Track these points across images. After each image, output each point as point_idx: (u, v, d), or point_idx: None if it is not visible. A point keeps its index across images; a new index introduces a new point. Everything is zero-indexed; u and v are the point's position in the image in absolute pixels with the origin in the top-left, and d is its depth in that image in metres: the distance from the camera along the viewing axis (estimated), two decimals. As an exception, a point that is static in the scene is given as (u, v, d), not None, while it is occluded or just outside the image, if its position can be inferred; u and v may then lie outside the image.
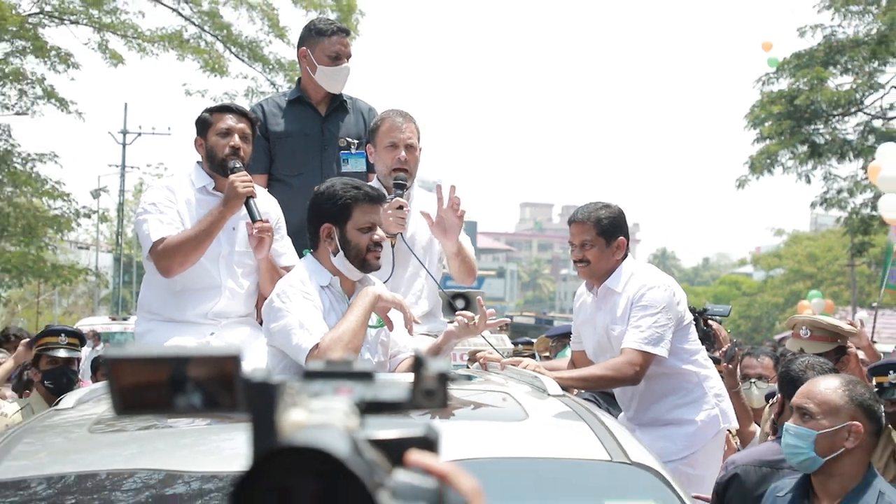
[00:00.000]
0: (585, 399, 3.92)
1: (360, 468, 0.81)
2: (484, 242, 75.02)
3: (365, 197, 3.70)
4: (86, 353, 6.70)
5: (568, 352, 5.45)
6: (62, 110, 19.03)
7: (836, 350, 4.99)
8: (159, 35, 18.92)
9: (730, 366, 5.13)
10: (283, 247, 4.27)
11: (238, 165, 4.09)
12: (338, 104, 4.88)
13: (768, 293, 48.04)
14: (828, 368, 3.87)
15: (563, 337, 8.36)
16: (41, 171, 19.73)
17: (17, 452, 2.45)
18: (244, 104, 6.42)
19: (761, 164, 22.02)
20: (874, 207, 17.69)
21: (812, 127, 21.89)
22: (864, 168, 21.58)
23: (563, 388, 3.30)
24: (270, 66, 19.16)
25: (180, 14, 19.16)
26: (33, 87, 18.87)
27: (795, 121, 21.45)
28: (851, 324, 5.58)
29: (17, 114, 19.34)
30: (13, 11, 17.70)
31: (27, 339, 5.92)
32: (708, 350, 4.92)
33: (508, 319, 4.28)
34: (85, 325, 15.81)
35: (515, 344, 12.46)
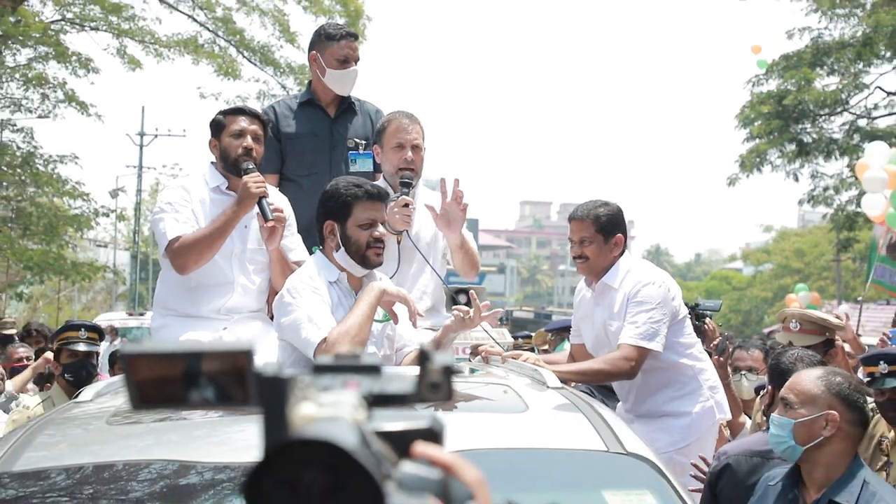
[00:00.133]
0: (581, 391, 3.91)
1: (368, 460, 0.80)
2: (485, 239, 75.02)
3: (365, 194, 3.70)
4: (104, 348, 6.70)
5: (566, 345, 5.45)
6: (82, 113, 19.05)
7: (825, 343, 4.99)
8: (175, 41, 18.96)
9: (720, 358, 5.13)
10: (293, 243, 4.27)
11: (251, 166, 4.09)
12: (346, 106, 4.88)
13: (757, 288, 48.05)
14: (816, 361, 3.86)
15: (562, 331, 8.36)
16: (62, 172, 19.76)
17: (38, 444, 2.45)
18: (256, 107, 6.43)
19: (751, 162, 22.02)
20: (859, 204, 17.65)
21: (800, 126, 21.89)
22: (850, 166, 21.58)
23: (562, 381, 3.29)
24: (281, 70, 19.18)
25: (195, 20, 19.20)
26: (55, 91, 18.90)
27: (784, 120, 21.45)
28: (837, 317, 5.58)
29: (40, 117, 19.38)
30: (36, 19, 17.75)
31: (49, 354, 5.95)
32: None
33: (501, 309, 4.28)
34: (103, 320, 15.79)
35: (515, 338, 12.46)
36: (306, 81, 5.31)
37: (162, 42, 18.93)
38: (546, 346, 9.11)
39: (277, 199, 4.25)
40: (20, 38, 17.33)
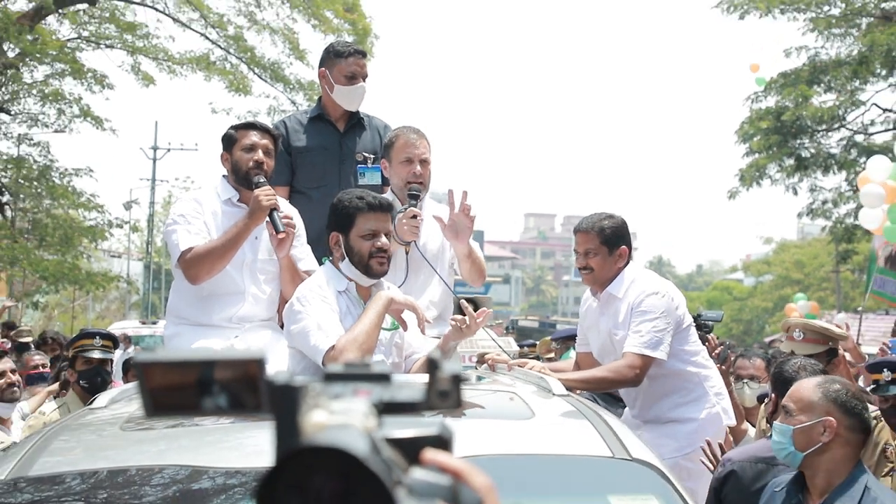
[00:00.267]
0: (584, 399, 3.90)
1: (378, 467, 0.79)
2: (490, 250, 75.04)
3: (366, 206, 3.70)
4: (118, 356, 6.70)
5: (572, 353, 5.43)
6: (97, 128, 19.16)
7: (828, 352, 4.97)
8: (188, 58, 19.07)
9: (722, 367, 5.11)
10: (302, 253, 4.27)
11: (262, 180, 4.10)
12: (355, 121, 4.90)
13: (758, 298, 48.03)
14: (818, 370, 3.85)
15: (568, 339, 8.33)
16: (77, 185, 19.86)
17: (53, 449, 2.44)
18: (267, 121, 6.44)
19: (751, 176, 22.04)
20: (857, 217, 17.63)
21: (798, 142, 21.92)
22: (848, 180, 21.57)
23: (567, 389, 3.28)
24: (291, 86, 19.26)
25: (207, 38, 19.30)
26: (71, 107, 19.01)
27: (782, 136, 21.49)
28: (838, 326, 5.56)
29: (56, 131, 19.49)
30: (53, 37, 17.85)
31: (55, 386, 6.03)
32: None
33: (490, 310, 4.25)
34: (116, 328, 15.79)
35: (521, 346, 12.45)
36: (316, 97, 5.33)
37: (175, 59, 19.04)
38: (550, 355, 9.08)
39: (288, 211, 4.26)
40: (38, 55, 17.44)
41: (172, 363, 0.92)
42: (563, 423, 2.79)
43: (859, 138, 22.17)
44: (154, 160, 39.99)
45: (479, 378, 3.74)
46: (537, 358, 8.23)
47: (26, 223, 20.44)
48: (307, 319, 3.59)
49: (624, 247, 4.43)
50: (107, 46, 19.07)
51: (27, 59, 17.81)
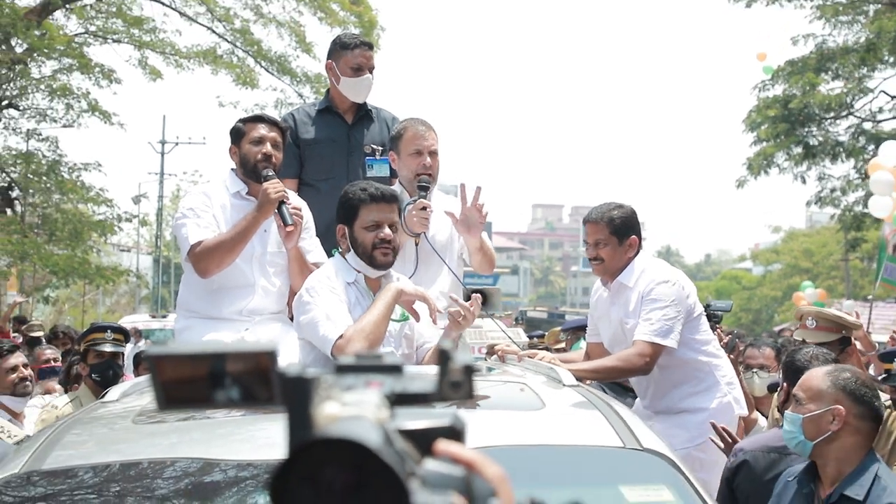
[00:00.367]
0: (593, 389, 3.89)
1: (391, 458, 0.79)
2: (498, 242, 75.00)
3: (369, 197, 3.71)
4: (128, 349, 6.72)
5: (582, 344, 5.43)
6: (105, 122, 19.20)
7: (841, 341, 4.96)
8: (195, 51, 19.08)
9: (731, 356, 5.09)
10: (311, 245, 4.28)
11: (270, 173, 4.10)
12: (363, 113, 4.89)
13: (767, 287, 47.95)
14: (830, 359, 3.83)
15: (578, 330, 8.32)
16: (86, 179, 19.95)
17: (65, 442, 2.45)
18: (274, 114, 6.44)
19: (758, 165, 21.99)
20: (866, 205, 17.56)
21: (805, 129, 21.84)
22: (856, 168, 21.49)
23: (578, 379, 3.28)
24: (298, 79, 19.27)
25: (214, 32, 19.31)
26: (79, 102, 19.05)
27: (790, 124, 21.42)
28: (848, 314, 5.55)
29: (65, 126, 19.54)
30: (61, 32, 17.87)
31: None
32: None
33: (479, 295, 4.25)
34: (127, 322, 15.82)
35: (530, 337, 12.45)
36: (323, 90, 5.33)
37: (182, 53, 19.05)
38: (559, 345, 9.08)
39: (296, 203, 4.26)
40: (45, 50, 17.47)
41: (184, 356, 0.92)
42: (574, 413, 2.79)
43: (867, 126, 22.09)
44: (162, 154, 40.03)
45: (489, 369, 3.74)
46: (546, 349, 8.23)
47: (36, 218, 20.52)
48: (316, 310, 3.60)
49: (634, 236, 4.42)
50: (114, 41, 19.09)
51: (35, 55, 17.84)
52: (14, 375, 5.35)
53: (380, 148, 4.69)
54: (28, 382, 5.47)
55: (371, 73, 4.80)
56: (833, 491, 3.06)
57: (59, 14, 18.55)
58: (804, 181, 22.33)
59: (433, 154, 4.41)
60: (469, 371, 0.96)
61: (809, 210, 28.56)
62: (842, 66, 21.15)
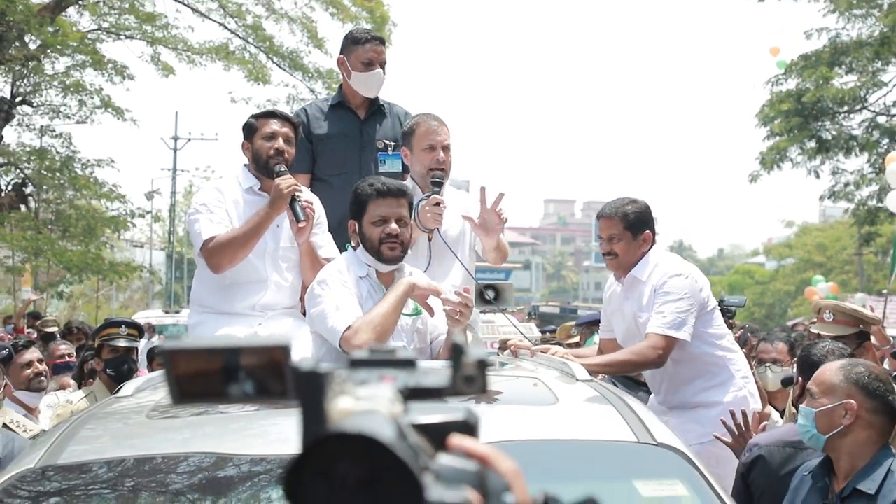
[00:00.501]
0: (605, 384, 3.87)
1: (405, 453, 0.79)
2: (510, 237, 74.46)
3: (375, 192, 3.72)
4: (142, 345, 6.74)
5: (596, 339, 5.41)
6: (118, 119, 19.27)
7: (858, 335, 4.92)
8: (207, 48, 19.12)
9: (743, 350, 5.07)
10: (323, 240, 4.28)
11: (283, 168, 4.10)
12: (376, 108, 4.89)
13: (780, 282, 47.79)
14: (846, 354, 3.82)
15: (592, 325, 8.29)
16: (99, 176, 20.01)
17: (80, 437, 2.46)
18: (286, 110, 6.44)
19: (771, 159, 21.88)
20: (881, 199, 17.48)
21: (819, 123, 21.72)
22: (870, 162, 21.37)
23: (590, 374, 3.27)
24: (310, 75, 19.28)
25: (226, 28, 19.34)
26: (92, 98, 19.13)
27: (803, 118, 21.31)
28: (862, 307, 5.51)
29: (78, 122, 19.63)
30: (74, 29, 17.93)
31: None
32: None
33: (471, 287, 4.22)
34: (140, 318, 15.86)
35: (543, 332, 12.45)
36: (335, 85, 5.34)
37: (194, 49, 19.09)
38: (571, 340, 9.06)
39: (309, 198, 4.26)
40: (59, 47, 17.54)
41: (198, 351, 0.92)
42: (588, 408, 2.79)
43: (881, 119, 21.97)
44: (175, 150, 40.17)
45: (503, 364, 3.74)
46: (558, 343, 8.22)
47: (50, 214, 20.61)
48: (325, 302, 3.62)
49: (648, 231, 4.41)
50: (126, 37, 19.15)
51: (48, 51, 17.91)
52: (29, 371, 5.38)
53: (392, 143, 4.68)
54: (43, 378, 5.51)
55: (382, 68, 4.79)
56: (846, 485, 3.06)
57: (72, 11, 18.62)
58: (818, 175, 22.22)
59: (446, 149, 4.41)
60: (482, 365, 0.96)
61: (823, 204, 28.48)
62: (856, 60, 21.05)
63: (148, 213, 24.25)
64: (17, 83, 19.00)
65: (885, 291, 12.92)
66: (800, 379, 3.90)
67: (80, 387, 6.02)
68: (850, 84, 21.38)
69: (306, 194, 4.24)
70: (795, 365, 4.14)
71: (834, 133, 21.89)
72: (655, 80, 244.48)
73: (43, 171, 19.58)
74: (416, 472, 0.79)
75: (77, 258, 18.73)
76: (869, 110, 22.04)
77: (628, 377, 5.30)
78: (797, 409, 3.44)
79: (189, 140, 40.63)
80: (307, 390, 0.88)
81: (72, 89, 18.84)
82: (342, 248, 4.13)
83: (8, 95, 18.83)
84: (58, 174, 19.64)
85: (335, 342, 3.55)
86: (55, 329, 11.02)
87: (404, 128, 4.57)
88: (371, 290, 3.72)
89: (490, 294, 4.88)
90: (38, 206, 20.47)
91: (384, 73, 4.81)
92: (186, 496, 2.21)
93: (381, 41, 4.90)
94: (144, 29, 18.89)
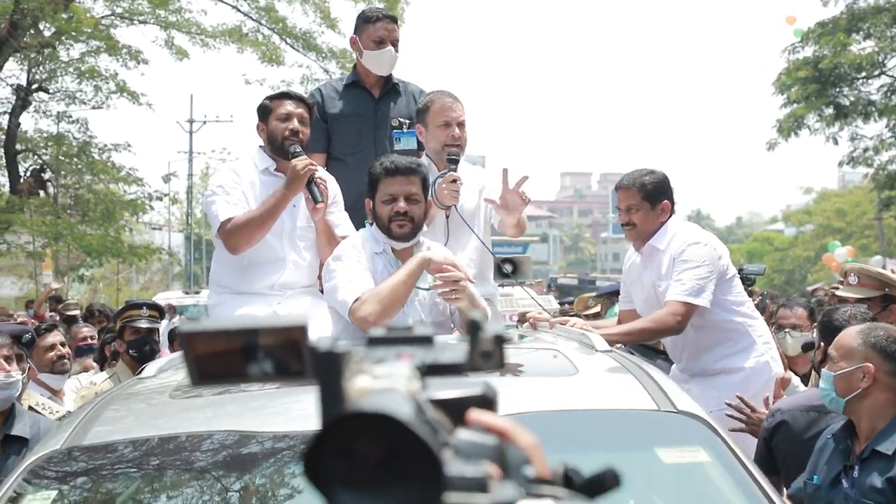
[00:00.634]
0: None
1: (423, 430, 0.79)
2: (528, 210, 73.73)
3: (384, 171, 3.75)
4: (163, 326, 6.77)
5: (616, 309, 5.41)
6: (134, 103, 19.32)
7: (883, 298, 4.89)
8: (220, 30, 19.10)
9: (763, 316, 5.06)
10: (339, 219, 4.29)
11: (298, 149, 4.10)
12: (390, 87, 4.87)
13: (799, 248, 47.55)
14: (867, 318, 3.80)
15: (612, 295, 8.27)
16: (117, 160, 20.12)
17: (105, 418, 2.48)
18: (300, 91, 6.43)
19: (789, 126, 21.66)
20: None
21: (836, 90, 21.47)
22: (889, 127, 21.14)
23: (610, 343, 3.27)
24: (323, 55, 19.22)
25: (239, 10, 19.31)
26: (107, 83, 19.18)
27: (821, 84, 21.06)
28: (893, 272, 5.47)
29: (94, 108, 19.69)
30: (87, 15, 17.94)
31: None
32: None
33: (456, 269, 4.16)
34: (161, 299, 15.96)
35: (561, 304, 12.44)
36: (349, 65, 5.32)
37: (208, 32, 19.07)
38: (587, 311, 9.04)
39: (324, 177, 4.27)
40: (73, 33, 17.57)
41: (216, 332, 0.92)
42: (608, 378, 2.79)
43: (900, 84, 21.70)
44: (191, 133, 40.29)
45: (521, 337, 3.74)
46: (576, 315, 8.21)
47: (68, 199, 20.71)
48: (339, 276, 3.65)
49: (666, 201, 4.40)
50: (140, 22, 19.14)
51: (63, 38, 17.95)
52: (52, 353, 5.42)
53: (407, 121, 4.67)
54: (66, 360, 5.55)
55: (394, 46, 4.77)
56: (865, 446, 3.08)
57: (85, -4, 18.62)
58: (836, 142, 22.00)
59: (461, 125, 4.40)
60: (500, 340, 0.95)
61: (841, 170, 28.19)
62: (873, 26, 20.76)
63: (165, 195, 24.27)
64: (33, 70, 19.07)
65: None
66: (821, 344, 3.89)
67: (102, 369, 6.05)
68: (867, 50, 21.11)
69: (321, 173, 4.25)
70: (816, 330, 4.12)
71: (852, 99, 21.64)
72: (672, 51, 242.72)
73: (61, 157, 19.67)
74: (435, 449, 0.78)
75: (97, 242, 18.83)
76: (887, 75, 21.76)
77: (646, 346, 5.30)
78: (819, 374, 3.44)
79: (205, 123, 40.74)
80: (325, 369, 0.88)
81: (87, 75, 18.89)
82: (359, 227, 4.14)
83: (24, 83, 18.91)
84: (75, 159, 19.73)
85: (345, 314, 3.58)
86: (77, 312, 11.11)
87: (419, 105, 4.56)
88: (387, 266, 3.75)
89: (508, 268, 4.88)
90: (56, 192, 20.57)
91: (396, 51, 4.78)
92: (211, 474, 2.23)
93: (393, 19, 4.88)
94: (158, 13, 18.88)
